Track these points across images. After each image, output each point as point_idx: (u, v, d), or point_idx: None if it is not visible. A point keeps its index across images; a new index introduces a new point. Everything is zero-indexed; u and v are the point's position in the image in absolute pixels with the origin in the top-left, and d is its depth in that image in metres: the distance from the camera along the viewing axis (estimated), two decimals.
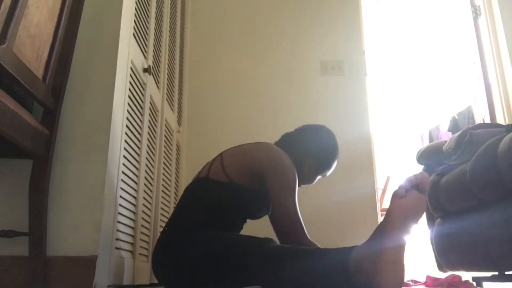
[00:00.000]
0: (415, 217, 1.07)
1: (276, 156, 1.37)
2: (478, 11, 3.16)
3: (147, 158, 1.71)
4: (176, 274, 1.27)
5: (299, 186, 1.43)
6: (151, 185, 1.80)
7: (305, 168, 1.52)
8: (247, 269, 1.15)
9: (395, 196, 1.08)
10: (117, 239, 1.31)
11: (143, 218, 1.65)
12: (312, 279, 1.08)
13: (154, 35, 1.89)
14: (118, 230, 1.32)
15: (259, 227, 1.58)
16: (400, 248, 1.02)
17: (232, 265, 1.18)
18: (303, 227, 1.32)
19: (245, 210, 1.42)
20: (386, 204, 4.74)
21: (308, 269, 1.09)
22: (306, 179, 1.56)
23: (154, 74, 1.88)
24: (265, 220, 1.49)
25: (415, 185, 1.09)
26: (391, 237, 1.02)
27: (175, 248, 1.27)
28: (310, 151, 1.54)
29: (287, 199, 1.32)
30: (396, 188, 1.09)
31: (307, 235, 1.32)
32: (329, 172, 1.60)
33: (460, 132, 2.03)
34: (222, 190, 1.35)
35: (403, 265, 1.00)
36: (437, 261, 2.11)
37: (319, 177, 1.60)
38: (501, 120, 2.91)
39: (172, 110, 2.37)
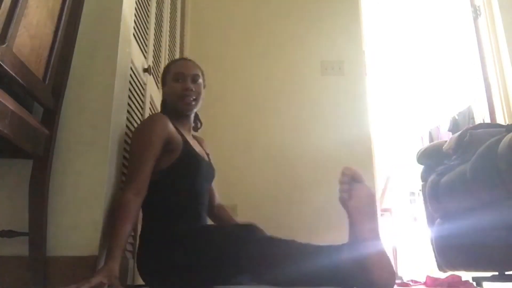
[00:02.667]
0: (372, 205, 1.16)
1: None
2: (478, 11, 3.16)
3: None
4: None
5: (183, 107, 1.47)
6: None
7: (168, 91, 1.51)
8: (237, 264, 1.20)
9: (343, 202, 1.16)
10: None
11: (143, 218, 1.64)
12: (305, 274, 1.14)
13: (154, 35, 1.89)
14: None
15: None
16: (381, 253, 1.10)
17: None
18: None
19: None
20: (386, 204, 4.74)
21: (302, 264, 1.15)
22: (174, 94, 1.48)
23: (154, 74, 1.87)
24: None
25: (351, 180, 1.16)
26: (366, 237, 1.12)
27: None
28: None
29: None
30: (344, 194, 1.15)
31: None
32: (175, 69, 1.51)
33: (460, 132, 2.03)
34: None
35: (389, 262, 1.10)
36: (437, 261, 2.11)
37: (176, 82, 1.48)
38: (501, 120, 2.91)
39: None
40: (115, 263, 1.11)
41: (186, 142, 1.42)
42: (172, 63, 1.60)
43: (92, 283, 1.01)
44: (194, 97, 1.48)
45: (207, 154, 1.63)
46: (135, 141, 1.36)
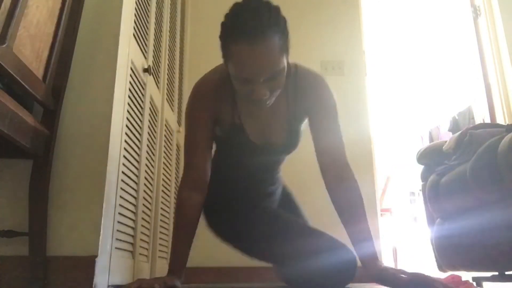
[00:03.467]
0: None
1: None
2: (478, 11, 3.16)
3: (147, 158, 1.71)
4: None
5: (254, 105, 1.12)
6: (151, 185, 1.80)
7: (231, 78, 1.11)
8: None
9: None
10: (117, 239, 1.31)
11: (143, 218, 1.65)
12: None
13: (154, 35, 1.89)
14: (118, 230, 1.32)
15: None
16: None
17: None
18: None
19: None
20: (386, 204, 4.74)
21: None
22: (239, 92, 1.13)
23: (154, 74, 1.87)
24: None
25: None
26: None
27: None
28: None
29: None
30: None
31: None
32: (239, 69, 1.06)
33: (460, 132, 2.03)
34: None
35: None
36: (437, 261, 2.11)
37: (242, 85, 1.08)
38: (501, 120, 2.91)
39: (172, 110, 2.37)
40: (174, 278, 1.08)
41: (234, 119, 1.19)
42: (233, 41, 1.07)
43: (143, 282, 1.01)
44: (269, 99, 1.09)
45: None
46: (187, 115, 1.20)
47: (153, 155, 1.86)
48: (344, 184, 1.23)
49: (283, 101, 1.23)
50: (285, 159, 1.43)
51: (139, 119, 1.61)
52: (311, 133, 1.28)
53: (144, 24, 1.70)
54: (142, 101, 1.65)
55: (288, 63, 1.14)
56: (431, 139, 4.04)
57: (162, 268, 1.99)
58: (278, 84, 1.09)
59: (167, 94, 2.17)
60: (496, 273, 1.79)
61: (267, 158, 1.33)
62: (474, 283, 1.95)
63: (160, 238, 1.98)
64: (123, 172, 1.38)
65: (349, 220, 1.19)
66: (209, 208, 1.30)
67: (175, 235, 1.16)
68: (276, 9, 1.08)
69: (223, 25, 1.15)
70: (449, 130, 3.72)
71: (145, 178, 1.68)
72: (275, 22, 1.06)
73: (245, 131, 1.22)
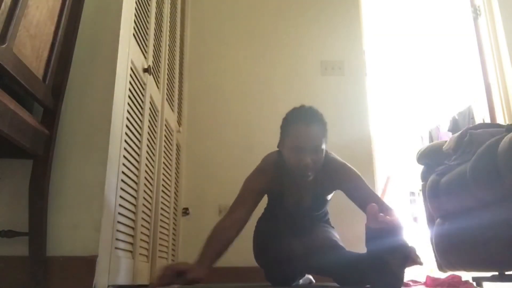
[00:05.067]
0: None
1: None
2: (478, 11, 3.16)
3: (147, 158, 1.71)
4: None
5: (299, 179, 1.55)
6: (151, 185, 1.80)
7: (284, 153, 1.56)
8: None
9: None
10: (117, 239, 1.31)
11: (143, 218, 1.65)
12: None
13: (154, 35, 1.89)
14: (118, 230, 1.32)
15: None
16: None
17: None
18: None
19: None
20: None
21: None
22: (289, 162, 1.52)
23: (154, 74, 1.87)
24: None
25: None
26: None
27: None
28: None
29: None
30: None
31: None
32: (294, 139, 1.48)
33: (460, 132, 2.02)
34: None
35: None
36: (437, 261, 2.11)
37: (294, 153, 1.49)
38: (501, 120, 2.91)
39: (172, 110, 2.37)
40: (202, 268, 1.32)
41: (281, 194, 1.65)
42: (292, 123, 1.51)
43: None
44: (311, 169, 1.49)
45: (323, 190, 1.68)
46: (244, 182, 1.60)
47: (153, 155, 1.86)
48: None
49: (314, 181, 1.60)
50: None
51: (139, 119, 1.61)
52: (351, 200, 1.59)
53: (144, 24, 1.70)
54: (142, 101, 1.65)
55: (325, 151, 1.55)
56: (431, 139, 4.05)
57: None
58: (319, 159, 1.50)
59: (167, 94, 2.18)
60: (496, 273, 1.79)
61: (297, 215, 1.70)
62: (474, 283, 1.95)
63: (160, 238, 1.98)
64: (123, 172, 1.38)
65: None
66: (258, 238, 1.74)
67: (205, 243, 1.40)
68: (321, 113, 1.57)
69: (284, 119, 1.58)
70: (449, 130, 3.72)
71: (145, 178, 1.68)
72: (322, 119, 1.55)
73: (283, 200, 1.67)
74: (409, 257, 1.23)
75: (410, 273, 2.68)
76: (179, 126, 2.56)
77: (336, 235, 1.73)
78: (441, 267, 2.10)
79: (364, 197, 1.49)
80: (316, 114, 1.53)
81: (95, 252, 1.14)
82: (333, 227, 1.82)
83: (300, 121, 1.50)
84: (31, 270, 1.09)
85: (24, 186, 1.10)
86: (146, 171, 1.69)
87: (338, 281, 1.57)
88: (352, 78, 2.94)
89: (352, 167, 1.63)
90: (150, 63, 1.78)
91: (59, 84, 1.15)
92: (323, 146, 1.50)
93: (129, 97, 1.46)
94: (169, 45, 2.26)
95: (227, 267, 2.55)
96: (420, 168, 2.29)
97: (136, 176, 1.55)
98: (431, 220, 2.20)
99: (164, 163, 2.07)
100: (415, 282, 2.39)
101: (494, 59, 3.02)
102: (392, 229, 1.20)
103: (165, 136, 2.10)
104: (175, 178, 2.42)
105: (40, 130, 1.07)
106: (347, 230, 1.54)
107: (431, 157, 2.20)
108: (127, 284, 1.41)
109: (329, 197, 1.73)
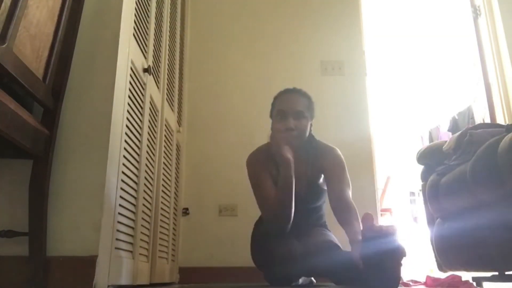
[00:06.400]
0: None
1: None
2: (478, 11, 3.16)
3: (147, 158, 1.71)
4: None
5: (283, 143, 1.59)
6: (151, 185, 1.80)
7: (271, 127, 1.70)
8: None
9: None
10: (117, 239, 1.31)
11: (143, 218, 1.65)
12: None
13: (154, 35, 1.89)
14: (118, 230, 1.32)
15: None
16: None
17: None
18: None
19: None
20: (386, 204, 4.74)
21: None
22: (274, 130, 1.65)
23: (154, 74, 1.87)
24: None
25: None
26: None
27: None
28: None
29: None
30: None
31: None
32: (279, 105, 1.67)
33: (460, 132, 2.03)
34: None
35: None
36: (437, 261, 2.11)
37: (278, 118, 1.65)
38: (501, 120, 2.91)
39: (172, 110, 2.37)
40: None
41: (275, 181, 1.63)
42: (278, 96, 1.71)
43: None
44: (295, 137, 1.58)
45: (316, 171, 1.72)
46: (250, 176, 1.71)
47: (153, 155, 1.86)
48: (346, 213, 1.57)
49: (305, 163, 1.68)
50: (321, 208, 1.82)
51: (139, 119, 1.61)
52: (326, 185, 1.66)
53: (144, 24, 1.70)
54: (142, 101, 1.65)
55: (310, 129, 1.68)
56: (431, 139, 4.05)
57: (162, 268, 1.99)
58: (302, 126, 1.61)
59: (167, 94, 2.17)
60: (496, 273, 1.79)
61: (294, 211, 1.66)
62: (474, 283, 1.95)
63: (160, 238, 1.98)
64: (123, 172, 1.38)
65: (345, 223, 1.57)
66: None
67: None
68: (310, 96, 1.71)
69: (274, 98, 1.74)
70: (449, 130, 3.72)
71: (145, 178, 1.68)
72: (308, 95, 1.68)
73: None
74: (404, 256, 1.26)
75: (410, 273, 2.68)
76: (179, 126, 2.56)
77: (333, 237, 1.73)
78: (441, 267, 2.10)
79: (336, 197, 1.60)
80: (302, 90, 1.69)
81: (95, 252, 1.14)
82: (329, 230, 1.82)
83: (286, 92, 1.70)
84: (31, 270, 1.09)
85: (24, 186, 1.10)
86: (146, 171, 1.69)
87: (336, 281, 1.57)
88: (352, 78, 2.94)
89: (340, 154, 1.70)
90: (150, 63, 1.78)
91: (59, 84, 1.15)
92: (307, 115, 1.62)
93: (129, 97, 1.46)
94: (169, 45, 2.26)
95: (227, 267, 2.55)
96: (420, 168, 2.29)
97: (136, 176, 1.55)
98: (431, 220, 2.20)
99: (164, 163, 2.07)
100: (415, 282, 2.39)
101: (494, 59, 3.02)
102: (387, 235, 1.24)
103: (165, 136, 2.10)
104: (175, 178, 2.42)
105: (40, 130, 1.07)
106: (343, 232, 1.54)
107: (431, 157, 2.20)
108: (127, 284, 1.41)
109: (323, 184, 1.75)
